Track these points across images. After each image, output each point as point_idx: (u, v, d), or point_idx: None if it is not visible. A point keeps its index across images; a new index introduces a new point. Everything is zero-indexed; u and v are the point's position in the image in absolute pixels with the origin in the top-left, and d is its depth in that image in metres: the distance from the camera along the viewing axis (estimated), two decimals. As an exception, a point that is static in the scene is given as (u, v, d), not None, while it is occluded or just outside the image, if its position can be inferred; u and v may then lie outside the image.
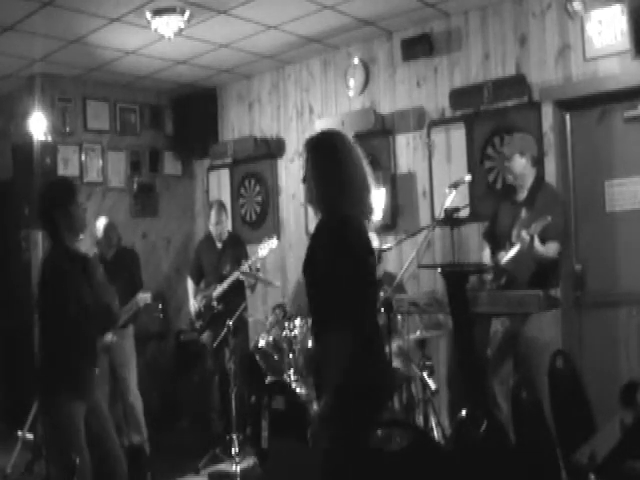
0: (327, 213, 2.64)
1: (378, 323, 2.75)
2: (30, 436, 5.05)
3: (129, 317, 4.89)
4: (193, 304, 5.56)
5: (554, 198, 4.00)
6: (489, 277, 3.88)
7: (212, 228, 5.55)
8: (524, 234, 3.61)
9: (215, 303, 5.32)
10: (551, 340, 3.76)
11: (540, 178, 4.09)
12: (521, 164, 3.95)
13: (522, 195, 4.00)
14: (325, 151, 2.68)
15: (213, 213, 5.52)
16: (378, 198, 5.25)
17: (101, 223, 5.11)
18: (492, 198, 4.59)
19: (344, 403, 2.43)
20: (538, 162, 4.10)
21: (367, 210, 2.67)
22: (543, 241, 3.65)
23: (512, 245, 3.78)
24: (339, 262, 2.46)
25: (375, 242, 4.83)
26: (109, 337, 4.77)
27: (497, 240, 4.04)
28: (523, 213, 3.89)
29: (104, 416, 3.24)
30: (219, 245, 5.53)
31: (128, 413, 4.96)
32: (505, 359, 3.95)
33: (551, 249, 3.73)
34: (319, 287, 2.54)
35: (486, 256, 4.13)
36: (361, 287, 2.51)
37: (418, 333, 4.49)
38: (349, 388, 2.43)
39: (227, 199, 6.45)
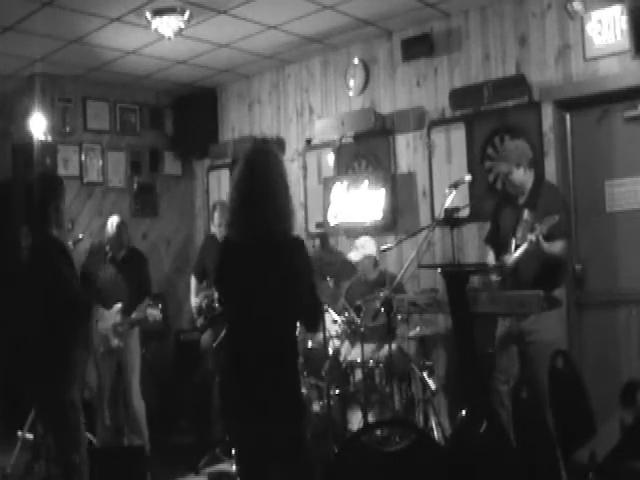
0: None
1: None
2: (30, 436, 5.05)
3: (136, 321, 4.91)
4: (194, 300, 5.55)
5: (555, 196, 4.00)
6: (496, 278, 3.87)
7: (216, 229, 5.51)
8: (531, 236, 3.61)
9: (217, 304, 5.31)
10: (557, 340, 3.76)
11: (538, 177, 4.08)
12: (520, 175, 3.95)
13: (523, 198, 3.99)
14: None
15: (217, 215, 5.46)
16: (378, 198, 5.28)
17: (112, 221, 5.07)
18: (492, 198, 4.58)
19: None
20: (535, 163, 4.08)
21: None
22: (548, 240, 3.65)
23: (517, 247, 3.79)
24: None
25: (370, 244, 4.83)
26: (115, 342, 4.77)
27: (501, 244, 4.04)
28: (526, 214, 3.88)
29: None
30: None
31: (131, 417, 4.92)
32: (506, 358, 3.94)
33: (557, 247, 3.73)
34: None
35: (490, 260, 4.13)
36: None
37: (418, 329, 4.48)
38: None
39: (227, 199, 6.43)
